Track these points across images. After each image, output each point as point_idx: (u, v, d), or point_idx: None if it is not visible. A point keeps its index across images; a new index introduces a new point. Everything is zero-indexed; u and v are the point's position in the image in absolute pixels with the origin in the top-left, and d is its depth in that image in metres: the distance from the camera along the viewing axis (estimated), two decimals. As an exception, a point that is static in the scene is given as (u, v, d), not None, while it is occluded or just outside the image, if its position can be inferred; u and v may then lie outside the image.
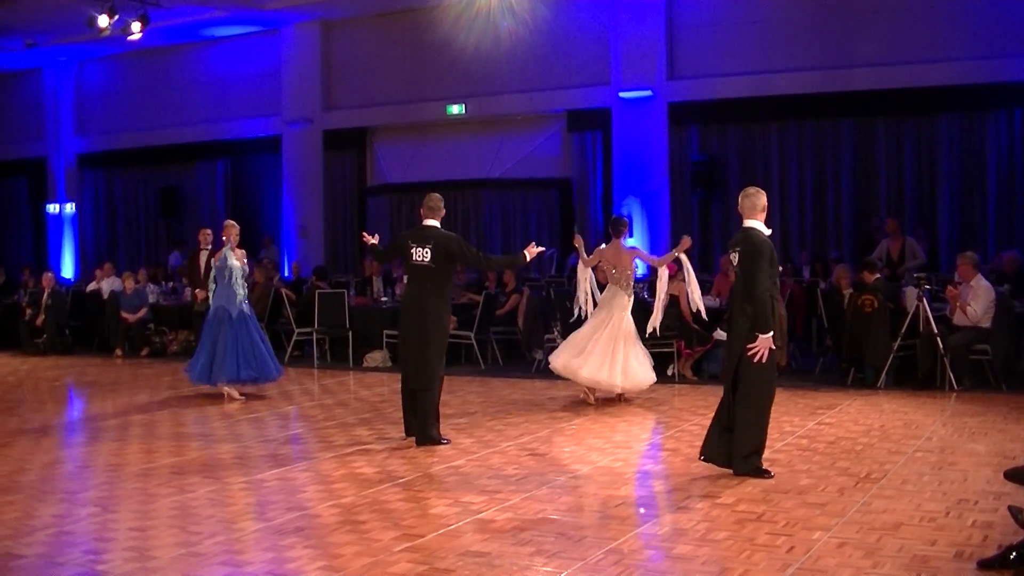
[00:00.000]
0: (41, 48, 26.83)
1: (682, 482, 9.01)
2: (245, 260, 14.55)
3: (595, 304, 13.56)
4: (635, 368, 13.09)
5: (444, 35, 22.77)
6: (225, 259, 14.26)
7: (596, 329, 13.22)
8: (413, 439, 10.96)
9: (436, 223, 11.15)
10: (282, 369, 15.10)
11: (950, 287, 14.72)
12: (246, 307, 14.53)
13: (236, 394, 14.46)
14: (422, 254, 10.92)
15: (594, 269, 13.65)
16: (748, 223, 9.42)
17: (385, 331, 17.91)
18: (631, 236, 21.33)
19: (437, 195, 11.37)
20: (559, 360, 13.35)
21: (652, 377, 13.36)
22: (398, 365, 11.92)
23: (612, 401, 13.57)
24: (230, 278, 14.24)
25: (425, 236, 11.00)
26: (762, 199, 9.50)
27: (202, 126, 26.86)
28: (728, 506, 8.14)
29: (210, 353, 14.29)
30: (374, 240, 11.89)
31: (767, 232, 9.42)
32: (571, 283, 19.55)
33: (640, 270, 20.77)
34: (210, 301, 14.64)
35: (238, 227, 14.52)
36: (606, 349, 13.04)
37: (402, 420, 11.27)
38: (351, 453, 10.50)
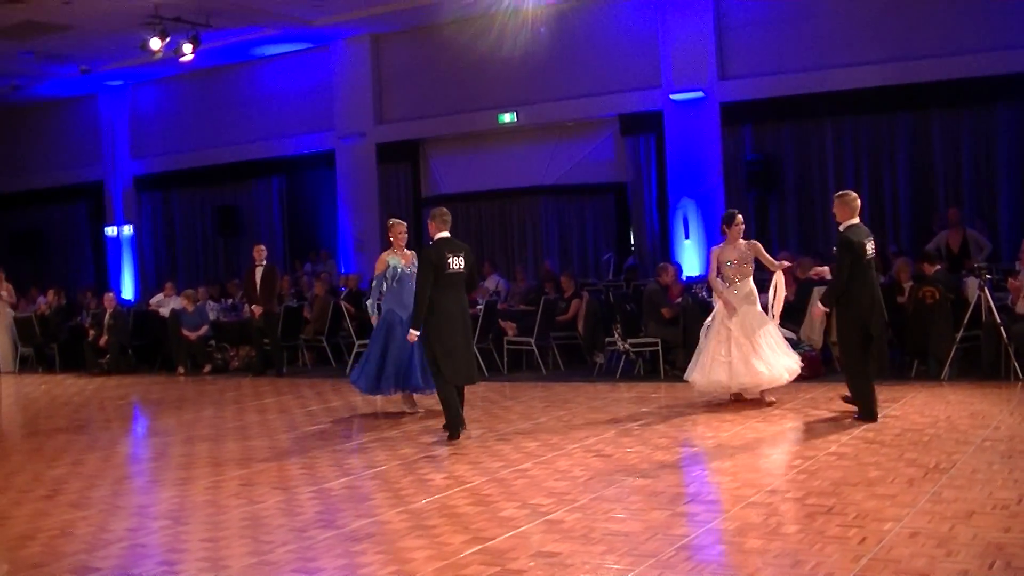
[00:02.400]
0: (95, 73, 27.12)
1: (750, 478, 8.99)
2: (415, 260, 13.36)
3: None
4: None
5: (492, 44, 22.78)
6: (388, 261, 13.55)
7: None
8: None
9: (449, 235, 12.04)
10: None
11: (1011, 279, 14.59)
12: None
13: (409, 407, 13.89)
14: (457, 263, 11.79)
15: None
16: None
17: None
18: (687, 237, 21.34)
19: (445, 208, 12.27)
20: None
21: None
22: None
23: (678, 401, 13.59)
24: (393, 278, 13.47)
25: (456, 246, 11.93)
26: None
27: (256, 144, 27.03)
28: (797, 500, 8.12)
29: (379, 361, 13.50)
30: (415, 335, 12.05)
31: None
32: (629, 286, 19.59)
33: (692, 271, 20.77)
34: (371, 308, 13.87)
35: (403, 225, 13.76)
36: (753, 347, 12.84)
37: (459, 418, 11.80)
38: (417, 460, 10.55)
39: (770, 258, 12.96)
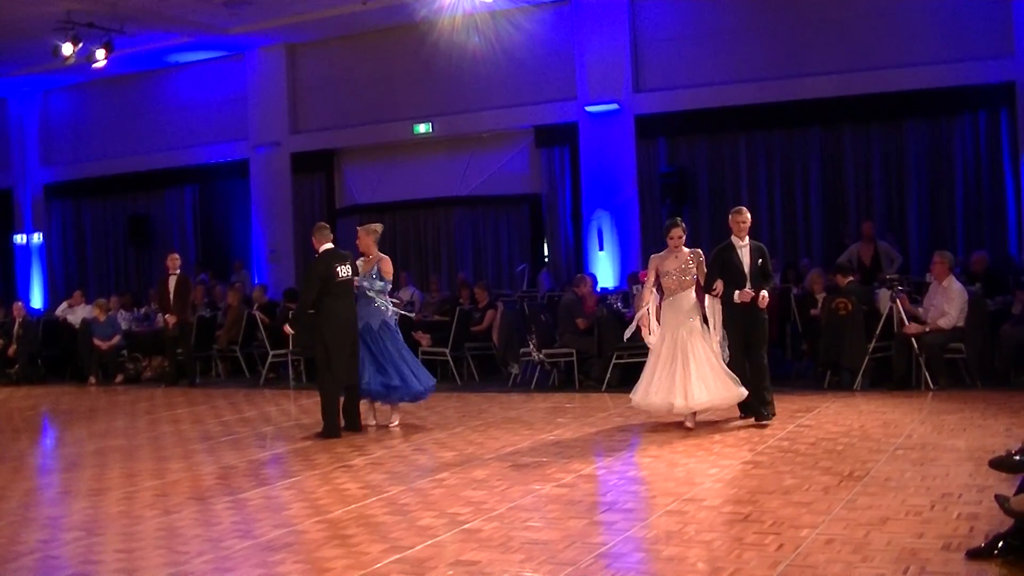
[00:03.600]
0: (5, 78, 26.72)
1: (666, 486, 9.05)
2: (379, 266, 13.17)
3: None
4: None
5: (410, 55, 22.86)
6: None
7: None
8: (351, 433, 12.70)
9: (332, 245, 12.98)
10: (428, 386, 13.45)
11: (907, 325, 14.47)
12: (374, 321, 13.05)
13: (395, 420, 13.30)
14: (345, 271, 12.71)
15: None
16: None
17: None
18: (601, 249, 21.42)
19: (324, 223, 13.78)
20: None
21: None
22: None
23: (593, 411, 13.65)
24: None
25: (343, 256, 12.88)
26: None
27: (169, 153, 26.71)
28: (714, 508, 8.20)
29: (382, 367, 13.05)
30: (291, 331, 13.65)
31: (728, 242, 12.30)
32: (543, 297, 19.66)
33: (606, 283, 20.83)
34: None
35: (366, 229, 13.37)
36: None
37: (337, 424, 12.62)
38: (333, 470, 10.50)
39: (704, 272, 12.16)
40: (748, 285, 11.94)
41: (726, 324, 12.13)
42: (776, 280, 17.79)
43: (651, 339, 12.25)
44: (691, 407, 11.84)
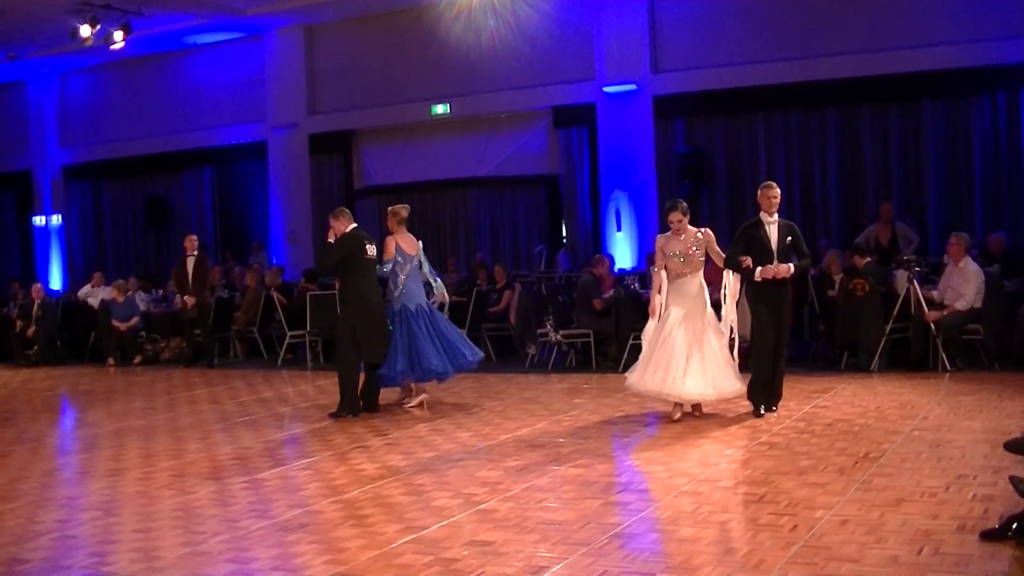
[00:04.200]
0: (23, 61, 26.75)
1: (682, 467, 9.04)
2: (402, 248, 12.99)
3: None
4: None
5: (427, 35, 22.81)
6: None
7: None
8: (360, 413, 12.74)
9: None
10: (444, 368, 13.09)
11: (927, 312, 14.42)
12: (396, 302, 12.96)
13: (414, 400, 13.29)
14: (372, 250, 12.81)
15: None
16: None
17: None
18: (619, 229, 21.41)
19: (344, 208, 13.80)
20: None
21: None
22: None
23: (610, 392, 13.66)
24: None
25: (368, 237, 12.99)
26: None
27: (187, 134, 26.79)
28: (729, 489, 8.21)
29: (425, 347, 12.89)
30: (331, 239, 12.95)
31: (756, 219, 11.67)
32: (560, 278, 19.65)
33: (624, 263, 20.83)
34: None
35: (392, 211, 13.25)
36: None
37: (356, 401, 12.78)
38: (350, 450, 10.53)
39: (720, 252, 11.65)
40: (775, 263, 11.57)
41: (751, 304, 11.79)
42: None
43: (650, 325, 11.82)
44: (683, 398, 11.42)
